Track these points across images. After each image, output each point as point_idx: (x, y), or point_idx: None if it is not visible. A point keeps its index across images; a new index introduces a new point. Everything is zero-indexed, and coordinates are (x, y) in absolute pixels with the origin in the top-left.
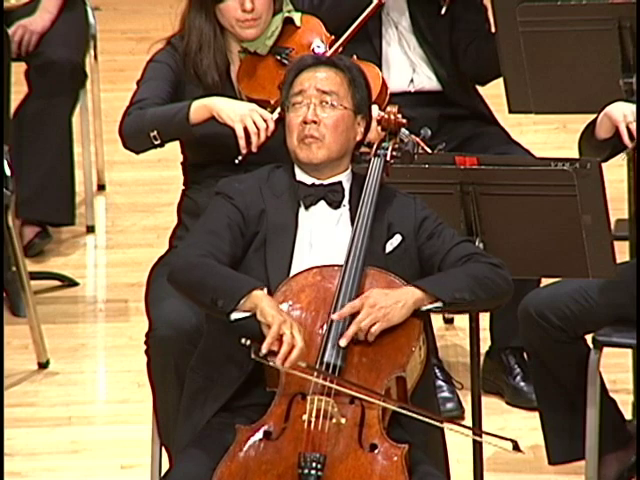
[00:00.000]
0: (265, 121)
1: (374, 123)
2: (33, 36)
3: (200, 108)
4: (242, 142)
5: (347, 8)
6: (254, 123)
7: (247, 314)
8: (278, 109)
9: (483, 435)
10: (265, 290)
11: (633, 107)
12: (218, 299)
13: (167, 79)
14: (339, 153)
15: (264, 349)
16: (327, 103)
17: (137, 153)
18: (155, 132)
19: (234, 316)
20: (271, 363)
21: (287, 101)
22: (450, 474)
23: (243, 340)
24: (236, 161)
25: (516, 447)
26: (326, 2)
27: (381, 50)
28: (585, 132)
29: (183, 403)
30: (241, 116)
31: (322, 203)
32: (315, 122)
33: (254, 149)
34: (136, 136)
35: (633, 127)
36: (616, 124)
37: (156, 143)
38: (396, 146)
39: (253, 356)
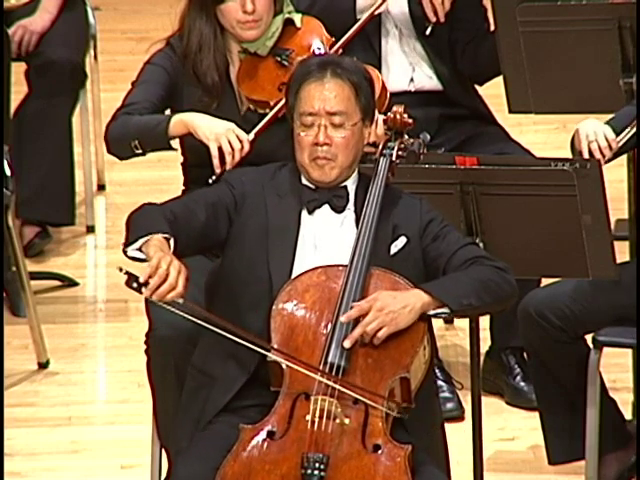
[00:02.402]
0: (241, 142)
1: (380, 123)
2: (33, 36)
3: (178, 123)
4: (215, 161)
5: (337, 11)
6: (229, 143)
7: (142, 256)
8: (255, 129)
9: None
10: (172, 242)
11: (599, 127)
12: (130, 235)
13: (160, 82)
14: (350, 166)
15: (141, 279)
16: (337, 124)
17: (120, 159)
18: (136, 141)
19: (130, 252)
20: (143, 295)
21: (295, 115)
22: (451, 475)
23: (120, 267)
24: (210, 181)
25: (400, 411)
26: (316, 6)
27: (380, 49)
28: (572, 139)
29: (183, 399)
30: (216, 135)
31: (326, 207)
32: (327, 144)
33: (228, 168)
34: (119, 143)
35: (594, 147)
36: (579, 141)
37: (137, 152)
38: (402, 146)
39: (127, 286)
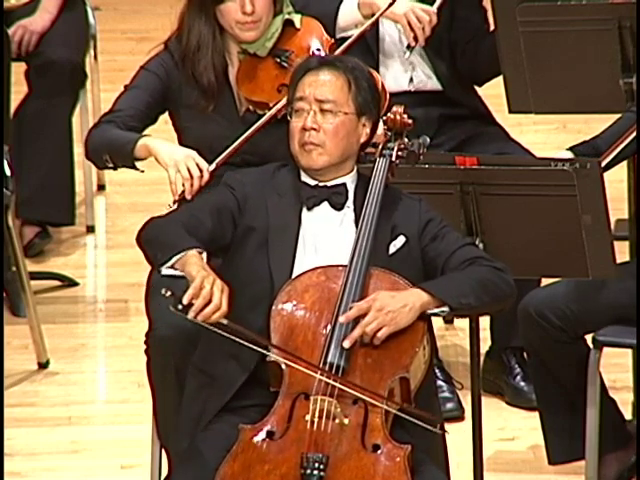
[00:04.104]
0: (200, 170)
1: (379, 124)
2: (33, 36)
3: (142, 147)
4: (173, 187)
5: (323, 15)
6: (188, 170)
7: (178, 272)
8: (218, 160)
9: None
10: (205, 255)
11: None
12: (158, 253)
13: (149, 89)
14: (341, 158)
15: (184, 300)
16: (326, 110)
17: (97, 168)
18: (107, 156)
19: (164, 271)
20: (188, 316)
21: (292, 103)
22: (450, 475)
23: (163, 291)
24: (168, 206)
25: (442, 427)
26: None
27: (378, 48)
28: None
29: (184, 398)
30: (176, 162)
31: (325, 204)
32: (314, 129)
33: (187, 196)
34: (93, 154)
35: None
36: None
37: (109, 166)
38: (402, 146)
39: (172, 309)
